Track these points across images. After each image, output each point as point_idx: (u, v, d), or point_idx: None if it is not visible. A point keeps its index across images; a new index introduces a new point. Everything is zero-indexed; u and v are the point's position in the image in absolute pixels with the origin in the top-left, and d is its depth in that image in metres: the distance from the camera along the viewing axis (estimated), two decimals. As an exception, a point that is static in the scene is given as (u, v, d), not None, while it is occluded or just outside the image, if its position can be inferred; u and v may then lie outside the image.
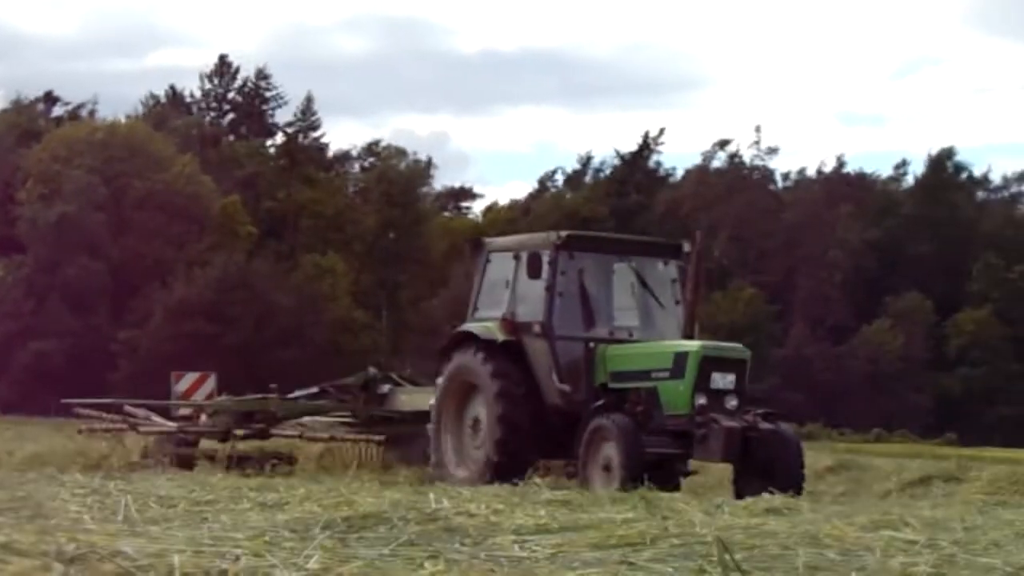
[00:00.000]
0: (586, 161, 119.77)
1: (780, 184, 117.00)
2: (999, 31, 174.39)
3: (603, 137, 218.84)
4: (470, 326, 26.25)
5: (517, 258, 25.70)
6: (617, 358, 24.87)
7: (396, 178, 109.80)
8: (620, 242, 29.28)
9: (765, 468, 22.78)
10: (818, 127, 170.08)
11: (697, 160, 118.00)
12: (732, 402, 23.61)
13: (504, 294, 25.85)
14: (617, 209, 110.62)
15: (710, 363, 23.70)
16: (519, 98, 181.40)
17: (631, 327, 25.98)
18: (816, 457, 32.87)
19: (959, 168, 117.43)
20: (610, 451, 23.18)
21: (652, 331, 25.92)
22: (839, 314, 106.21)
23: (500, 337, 25.25)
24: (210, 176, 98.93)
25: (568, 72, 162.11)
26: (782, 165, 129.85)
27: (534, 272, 24.93)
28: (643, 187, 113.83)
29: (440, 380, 26.23)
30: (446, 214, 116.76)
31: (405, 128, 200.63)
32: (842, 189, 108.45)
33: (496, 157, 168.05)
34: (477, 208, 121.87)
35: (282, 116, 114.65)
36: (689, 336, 25.13)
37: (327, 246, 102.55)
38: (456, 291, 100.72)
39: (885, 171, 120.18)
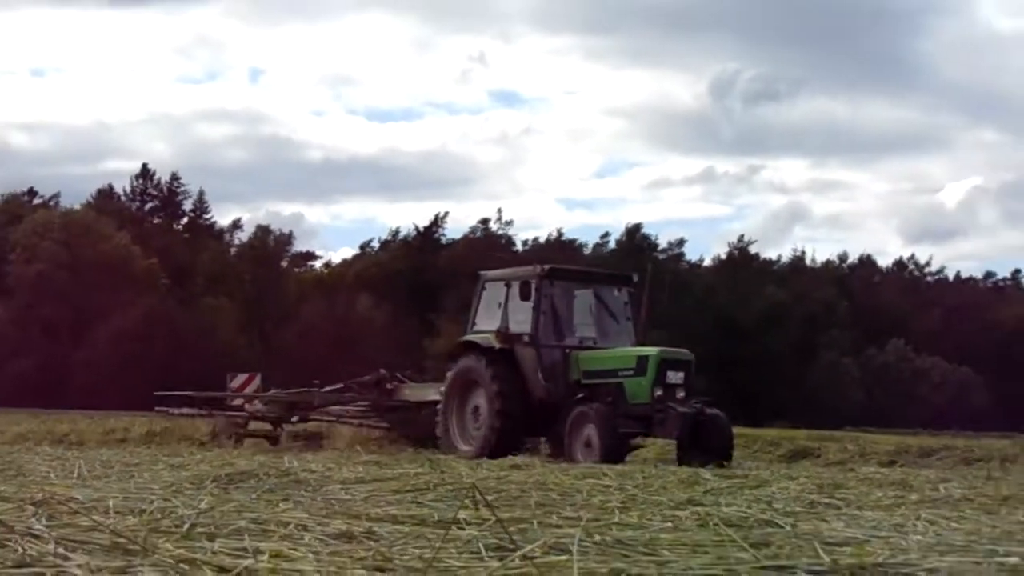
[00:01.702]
0: (395, 233, 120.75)
1: (520, 248, 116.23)
2: (672, 146, 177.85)
3: (407, 217, 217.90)
4: (471, 337, 24.79)
5: (508, 285, 24.45)
6: (589, 360, 23.69)
7: (264, 246, 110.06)
8: (586, 273, 27.94)
9: (705, 444, 21.97)
10: (548, 211, 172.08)
11: (466, 231, 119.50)
12: (681, 394, 22.63)
13: (497, 313, 24.52)
14: (415, 265, 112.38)
15: (666, 364, 22.70)
16: (351, 192, 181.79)
17: (592, 337, 24.60)
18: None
19: (645, 238, 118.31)
20: (590, 432, 22.21)
21: (608, 341, 24.43)
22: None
23: (496, 345, 23.92)
24: (137, 246, 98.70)
25: (383, 174, 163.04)
26: (521, 235, 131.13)
27: (525, 295, 23.75)
28: (432, 251, 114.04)
29: (448, 377, 24.81)
30: (297, 270, 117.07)
31: (273, 211, 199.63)
32: (561, 252, 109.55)
33: (334, 231, 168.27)
34: (318, 265, 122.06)
35: (188, 205, 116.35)
36: (642, 344, 24.09)
37: (218, 293, 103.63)
38: (305, 322, 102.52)
39: (593, 240, 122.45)
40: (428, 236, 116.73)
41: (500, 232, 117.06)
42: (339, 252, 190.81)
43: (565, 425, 22.58)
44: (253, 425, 28.46)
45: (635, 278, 25.74)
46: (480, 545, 5.46)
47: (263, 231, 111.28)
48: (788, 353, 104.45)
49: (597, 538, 5.57)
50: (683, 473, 12.80)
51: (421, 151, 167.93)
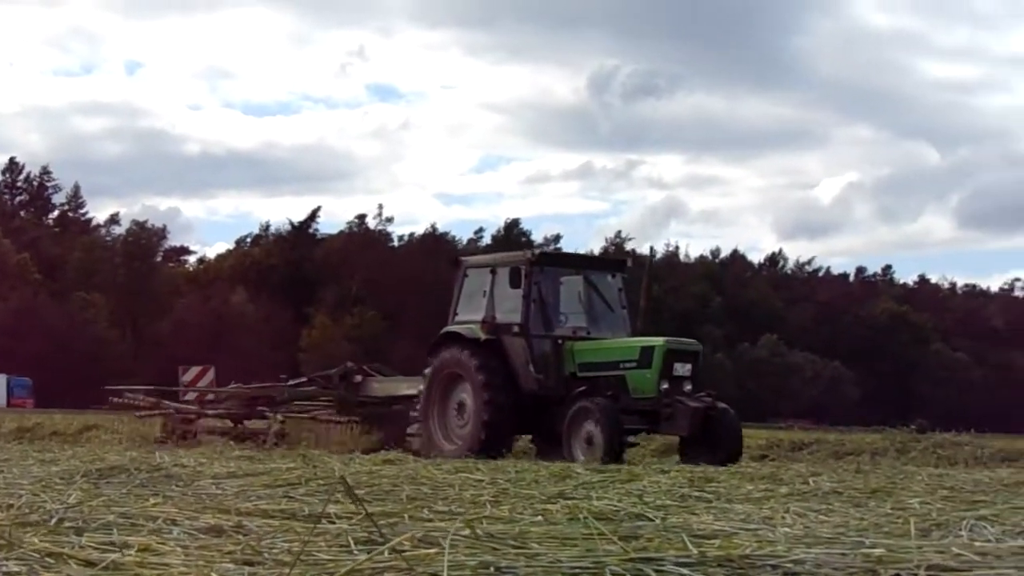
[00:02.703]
0: (266, 227, 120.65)
1: (396, 243, 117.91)
2: (550, 141, 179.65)
3: (284, 212, 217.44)
4: (454, 328, 22.83)
5: (494, 272, 22.76)
6: (586, 351, 22.07)
7: (137, 240, 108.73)
8: (578, 258, 26.35)
9: (712, 441, 20.66)
10: (426, 206, 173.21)
11: (343, 227, 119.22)
12: (688, 387, 21.25)
13: (481, 302, 22.67)
14: (290, 259, 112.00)
15: (673, 355, 21.34)
16: (227, 186, 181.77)
17: (584, 327, 22.71)
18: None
19: (522, 233, 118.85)
20: (592, 428, 20.58)
21: (601, 330, 22.80)
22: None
23: (482, 336, 22.15)
24: (8, 239, 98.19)
25: (261, 168, 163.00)
26: (399, 230, 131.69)
27: (515, 282, 22.12)
28: (307, 245, 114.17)
29: (427, 371, 22.89)
30: (171, 265, 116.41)
31: (150, 205, 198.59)
32: (436, 246, 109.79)
33: (210, 225, 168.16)
34: (192, 260, 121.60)
35: (60, 198, 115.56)
36: (637, 333, 22.77)
37: (91, 287, 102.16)
38: (178, 317, 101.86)
39: (468, 235, 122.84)
40: (303, 231, 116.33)
41: (378, 228, 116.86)
42: (215, 247, 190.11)
43: (563, 421, 21.07)
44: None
45: (629, 263, 24.74)
46: (349, 538, 5.44)
47: (138, 226, 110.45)
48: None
49: (467, 531, 5.56)
50: (555, 467, 12.73)
51: (299, 145, 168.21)
